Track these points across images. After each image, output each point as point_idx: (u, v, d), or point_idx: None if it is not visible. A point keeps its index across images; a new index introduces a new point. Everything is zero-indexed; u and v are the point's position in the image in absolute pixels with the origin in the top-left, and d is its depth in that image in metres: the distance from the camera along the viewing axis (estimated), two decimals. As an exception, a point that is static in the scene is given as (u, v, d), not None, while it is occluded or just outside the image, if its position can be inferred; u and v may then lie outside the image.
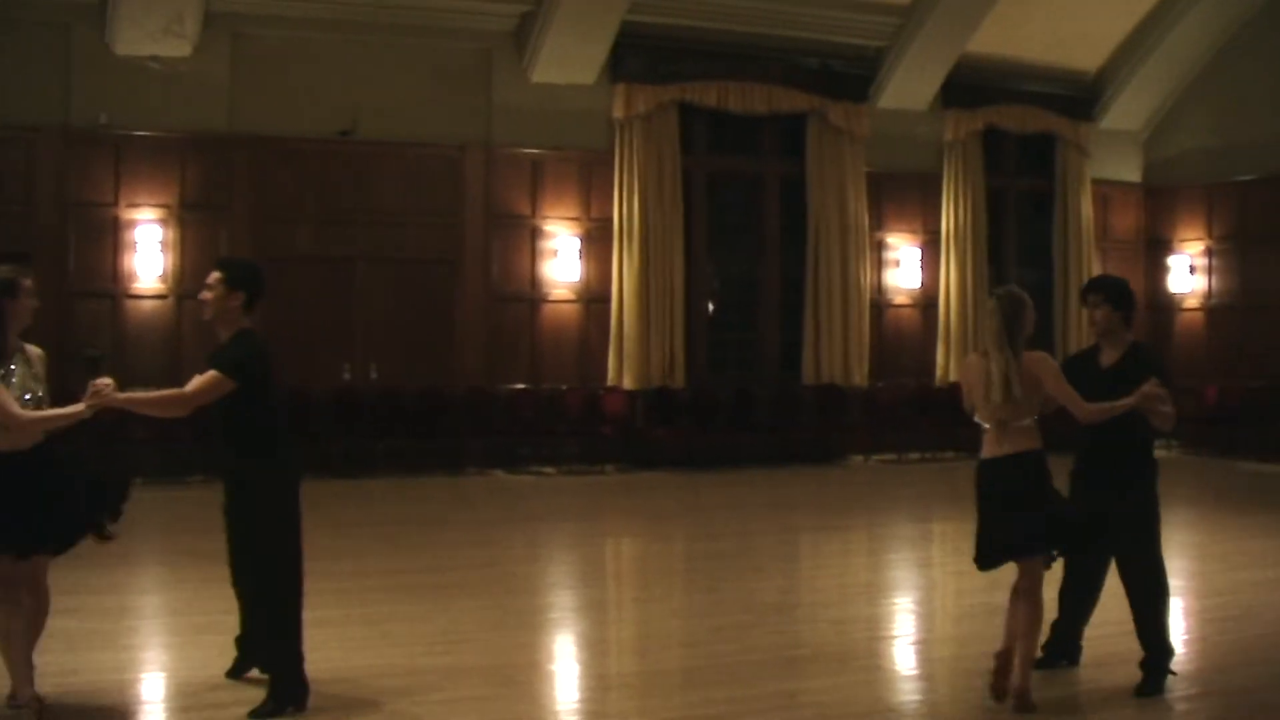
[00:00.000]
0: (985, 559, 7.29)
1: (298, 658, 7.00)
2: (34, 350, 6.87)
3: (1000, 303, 7.16)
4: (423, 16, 18.57)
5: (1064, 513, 7.17)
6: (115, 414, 7.13)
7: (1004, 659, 7.09)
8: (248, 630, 7.40)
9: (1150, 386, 7.22)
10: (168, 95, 17.69)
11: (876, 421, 20.76)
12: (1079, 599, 7.84)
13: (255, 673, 7.34)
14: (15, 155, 17.31)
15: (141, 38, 17.39)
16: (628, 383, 19.54)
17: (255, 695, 7.01)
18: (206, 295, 7.06)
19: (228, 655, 7.52)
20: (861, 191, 20.89)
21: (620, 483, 18.37)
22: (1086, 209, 22.75)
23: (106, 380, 6.65)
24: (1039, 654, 7.51)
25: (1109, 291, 7.75)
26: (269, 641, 7.10)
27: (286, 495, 7.06)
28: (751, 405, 20.22)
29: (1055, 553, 7.29)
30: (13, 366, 6.75)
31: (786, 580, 11.64)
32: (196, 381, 6.83)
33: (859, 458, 20.54)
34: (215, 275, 7.08)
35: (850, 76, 20.90)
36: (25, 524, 6.58)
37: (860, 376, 20.83)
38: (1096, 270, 21.58)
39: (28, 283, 6.78)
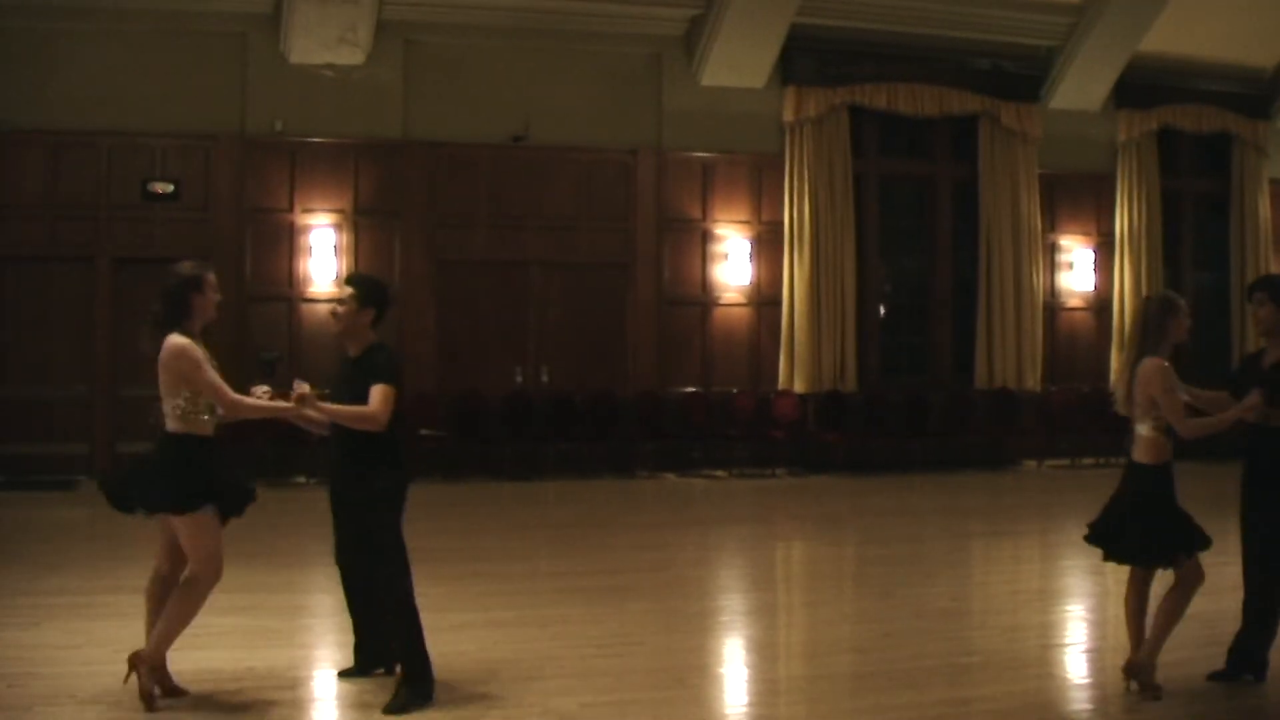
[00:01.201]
0: (1104, 551, 7.64)
1: (424, 652, 7.15)
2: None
3: (1144, 306, 7.31)
4: (593, 22, 18.69)
5: (1160, 529, 7.23)
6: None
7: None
8: (366, 631, 7.55)
9: (1252, 398, 7.21)
10: (342, 102, 17.97)
11: (1050, 426, 20.39)
12: (1259, 611, 7.59)
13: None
14: (194, 162, 17.70)
15: (316, 46, 17.69)
16: (799, 386, 19.41)
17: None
18: (339, 310, 7.31)
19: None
20: (1034, 193, 20.63)
21: (791, 486, 18.21)
22: (1264, 209, 22.21)
23: (306, 390, 7.02)
24: (1223, 667, 7.63)
25: (1272, 289, 7.65)
26: (397, 639, 7.21)
27: (403, 499, 7.31)
28: (922, 409, 19.98)
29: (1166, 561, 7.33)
30: None
31: (958, 586, 11.39)
32: (378, 399, 6.99)
33: (1031, 463, 20.26)
34: (348, 292, 7.34)
35: (1021, 77, 20.63)
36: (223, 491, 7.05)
37: (1034, 380, 20.55)
38: (1275, 272, 21.14)
39: (211, 277, 7.11)
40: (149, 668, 6.93)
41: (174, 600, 7.01)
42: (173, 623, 6.98)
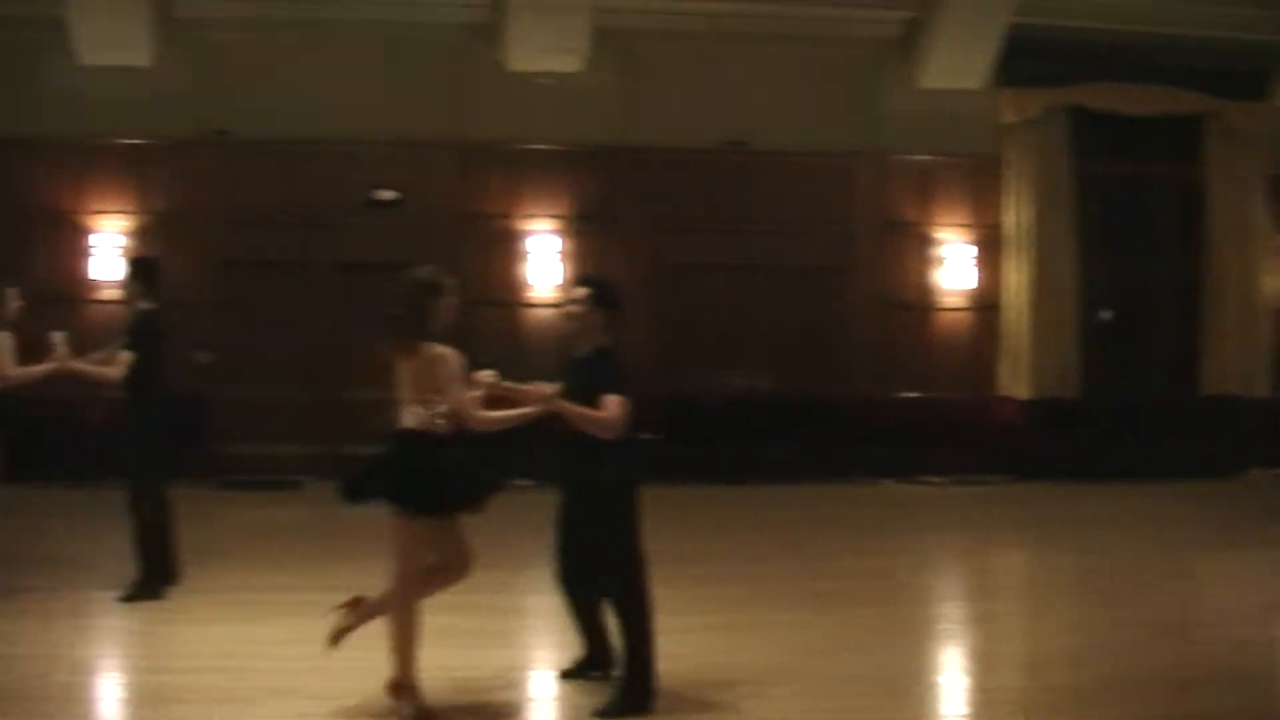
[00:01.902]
0: None
1: (651, 663, 7.17)
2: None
3: None
4: (809, 25, 18.50)
5: None
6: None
7: None
8: (586, 634, 7.58)
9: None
10: (560, 109, 18.05)
11: (1278, 433, 19.65)
12: None
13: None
14: (417, 169, 17.96)
15: (534, 54, 17.83)
16: (1019, 391, 19.04)
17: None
18: (572, 310, 7.40)
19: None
20: (1262, 194, 20.04)
21: (1011, 493, 17.81)
22: None
23: (551, 386, 7.10)
24: None
25: None
26: (625, 644, 7.21)
27: (637, 503, 7.26)
28: (1145, 415, 19.32)
29: None
30: None
31: (1181, 598, 11.05)
32: (614, 407, 7.05)
33: (1259, 471, 19.49)
34: (582, 292, 7.39)
35: (1246, 74, 19.94)
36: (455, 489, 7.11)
37: (1262, 386, 19.94)
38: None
39: (450, 282, 7.17)
40: (406, 688, 7.01)
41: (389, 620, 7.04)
42: (393, 638, 7.04)
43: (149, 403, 10.08)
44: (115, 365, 9.89)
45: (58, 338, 9.99)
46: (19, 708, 7.02)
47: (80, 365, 9.97)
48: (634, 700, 7.11)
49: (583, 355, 7.38)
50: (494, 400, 7.22)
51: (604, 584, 7.29)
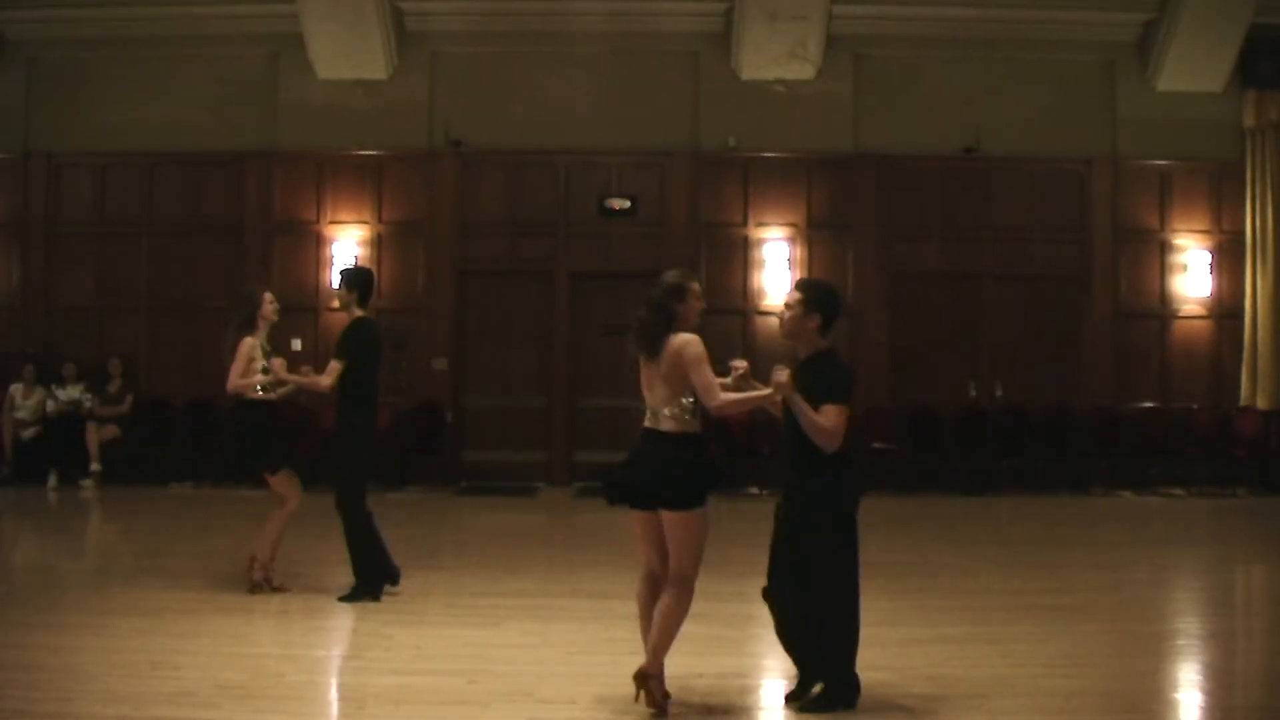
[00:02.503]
0: None
1: (853, 658, 7.18)
2: None
3: None
4: (1043, 30, 18.17)
5: None
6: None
7: None
8: (803, 656, 7.40)
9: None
10: (793, 117, 18.00)
11: None
12: None
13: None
14: (649, 178, 18.11)
15: (766, 63, 17.80)
16: (1262, 403, 18.36)
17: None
18: (786, 314, 7.32)
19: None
20: None
21: (1252, 507, 17.32)
22: None
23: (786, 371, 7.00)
24: None
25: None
26: (831, 640, 7.21)
27: (853, 509, 7.27)
28: None
29: None
30: None
31: None
32: (832, 417, 6.99)
33: None
34: (795, 296, 7.32)
35: None
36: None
37: None
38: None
39: (695, 286, 7.19)
40: (655, 678, 7.02)
41: (664, 605, 7.06)
42: (669, 627, 7.06)
43: (359, 410, 10.14)
44: (327, 375, 10.00)
45: (295, 344, 10.33)
46: (255, 705, 7.07)
47: (292, 376, 10.22)
48: (835, 695, 7.18)
49: (805, 359, 7.34)
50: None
51: (816, 590, 7.24)
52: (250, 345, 10.14)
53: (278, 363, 10.21)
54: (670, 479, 6.94)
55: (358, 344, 10.07)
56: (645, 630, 7.14)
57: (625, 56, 18.18)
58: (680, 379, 6.97)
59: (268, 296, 10.37)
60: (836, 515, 7.19)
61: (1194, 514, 16.90)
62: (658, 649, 7.00)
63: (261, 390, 10.17)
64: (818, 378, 7.14)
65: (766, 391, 7.11)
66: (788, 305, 7.40)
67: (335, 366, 9.95)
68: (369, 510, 10.04)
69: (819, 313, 7.29)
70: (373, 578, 9.96)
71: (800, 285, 7.56)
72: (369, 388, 10.15)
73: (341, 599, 9.84)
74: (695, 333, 7.08)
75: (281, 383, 10.22)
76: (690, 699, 7.32)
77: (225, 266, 17.77)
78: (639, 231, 18.08)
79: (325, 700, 7.53)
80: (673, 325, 7.07)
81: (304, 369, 10.40)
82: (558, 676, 7.74)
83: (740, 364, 7.27)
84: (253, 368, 10.12)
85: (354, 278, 10.52)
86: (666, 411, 7.04)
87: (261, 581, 10.11)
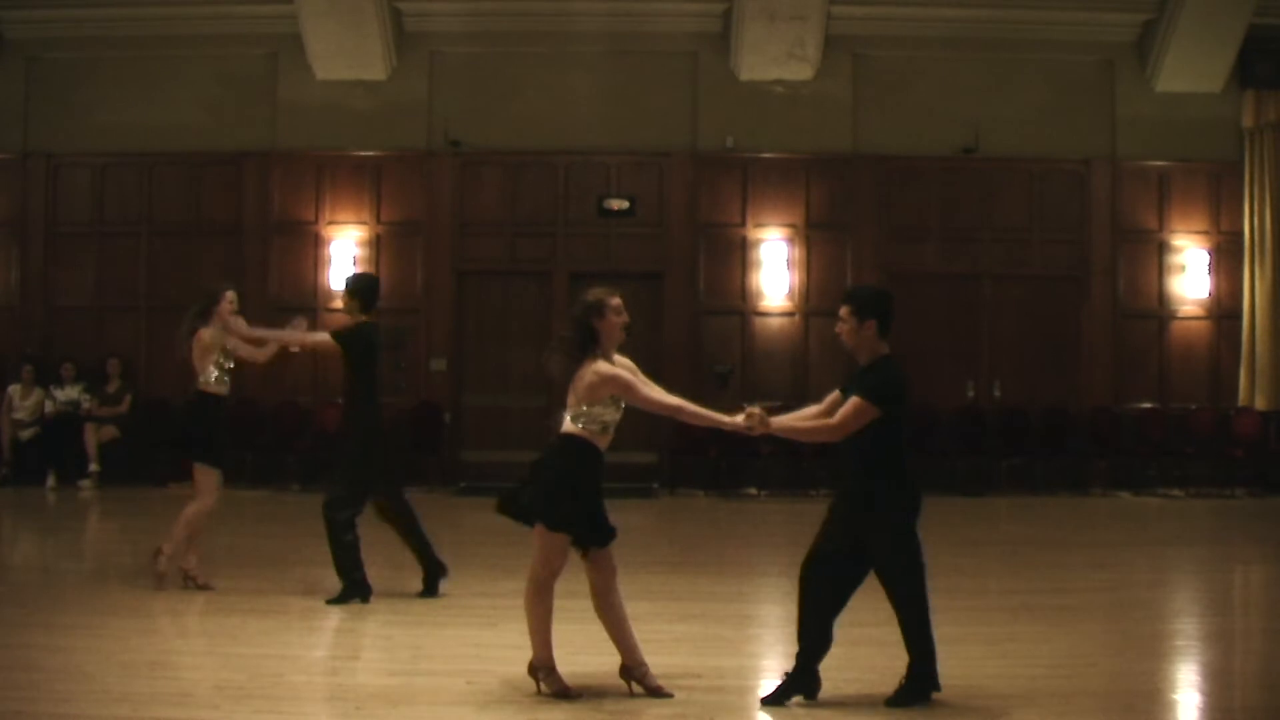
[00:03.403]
0: None
1: (932, 654, 7.22)
2: (624, 361, 7.37)
3: None
4: (1042, 31, 18.20)
5: None
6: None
7: None
8: (810, 648, 7.33)
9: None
10: (791, 117, 18.08)
11: None
12: None
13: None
14: (648, 179, 18.15)
15: (765, 63, 17.84)
16: (1260, 403, 18.34)
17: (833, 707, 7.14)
18: (841, 329, 7.33)
19: (847, 664, 7.65)
20: None
21: (1251, 508, 17.32)
22: None
23: (755, 411, 7.17)
24: None
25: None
26: (911, 642, 7.22)
27: (912, 514, 7.31)
28: None
29: None
30: None
31: None
32: (844, 411, 7.06)
33: None
34: (844, 309, 7.32)
35: None
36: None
37: None
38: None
39: (615, 301, 7.26)
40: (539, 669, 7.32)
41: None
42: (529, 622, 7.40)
43: (362, 414, 10.19)
44: (320, 332, 10.44)
45: (299, 321, 10.43)
46: (254, 706, 7.05)
47: (282, 334, 10.66)
48: (914, 692, 7.23)
49: (864, 366, 7.38)
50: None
51: (896, 596, 7.31)
52: (210, 335, 10.21)
53: (299, 322, 10.59)
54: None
55: (361, 349, 10.10)
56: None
57: (624, 57, 18.19)
58: (586, 400, 7.19)
59: (229, 295, 10.38)
60: (894, 524, 7.23)
61: (1192, 514, 16.91)
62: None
63: (214, 383, 10.29)
64: (861, 380, 7.23)
65: (729, 420, 7.20)
66: (841, 319, 7.41)
67: (327, 337, 10.19)
68: (356, 519, 10.05)
69: (872, 317, 7.28)
70: (360, 579, 9.95)
71: (846, 296, 7.59)
72: (373, 389, 10.18)
73: (329, 601, 9.84)
74: (617, 348, 7.27)
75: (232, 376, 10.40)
76: (693, 697, 7.31)
77: (224, 266, 17.75)
78: (637, 231, 18.14)
79: (323, 700, 7.49)
80: (593, 343, 7.22)
81: (297, 322, 10.58)
82: (556, 677, 7.56)
83: (756, 410, 7.26)
84: (211, 359, 10.26)
85: (355, 284, 10.50)
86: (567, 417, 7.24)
87: (186, 579, 10.16)
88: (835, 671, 7.32)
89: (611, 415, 7.20)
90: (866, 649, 7.89)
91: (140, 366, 17.84)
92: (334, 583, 10.13)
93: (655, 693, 7.22)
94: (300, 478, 17.01)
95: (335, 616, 9.56)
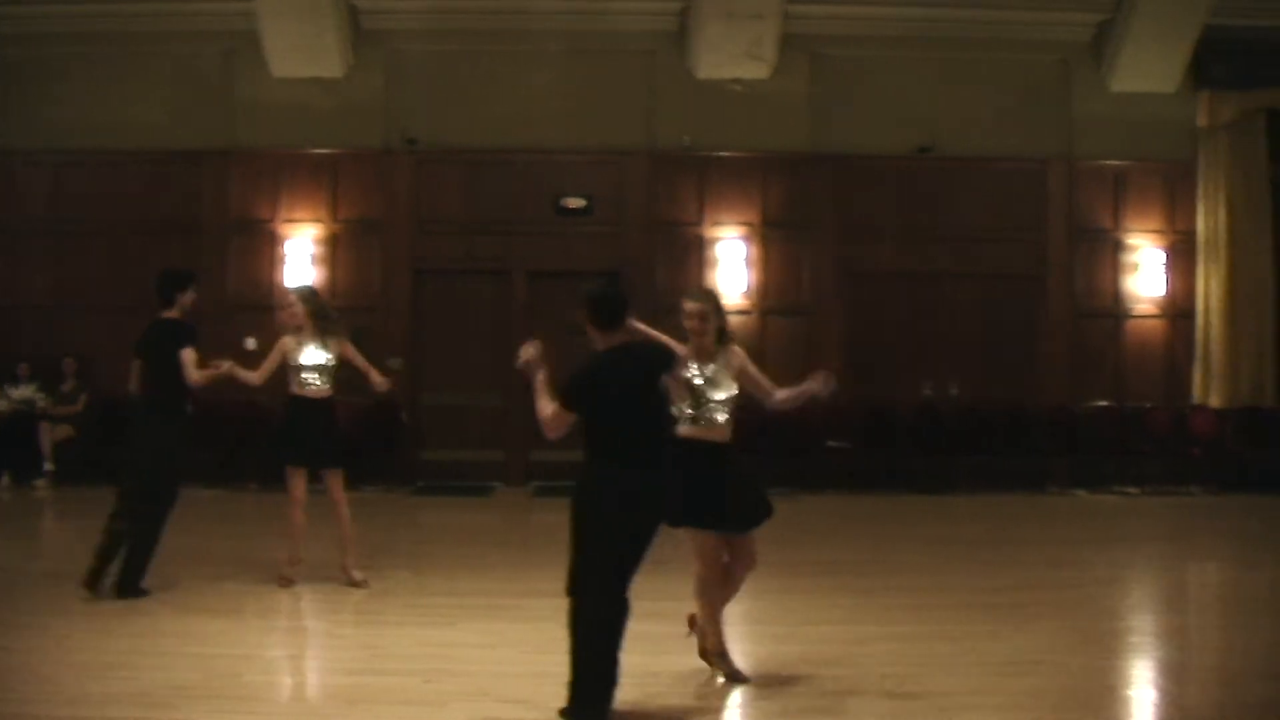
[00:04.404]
0: None
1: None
2: (738, 350, 7.74)
3: None
4: (998, 30, 18.27)
5: None
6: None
7: None
8: None
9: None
10: (749, 116, 18.03)
11: None
12: None
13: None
14: (606, 177, 18.17)
15: (723, 62, 17.80)
16: (1215, 401, 18.50)
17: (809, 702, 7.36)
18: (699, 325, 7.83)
19: (807, 662, 7.94)
20: None
21: (1207, 505, 17.47)
22: None
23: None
24: None
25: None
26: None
27: (600, 514, 7.12)
28: None
29: None
30: (711, 366, 7.72)
31: None
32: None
33: None
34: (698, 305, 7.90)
35: None
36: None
37: None
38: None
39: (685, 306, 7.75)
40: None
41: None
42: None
43: (169, 411, 10.23)
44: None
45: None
46: (211, 706, 7.11)
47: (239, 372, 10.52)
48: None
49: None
50: None
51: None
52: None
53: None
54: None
55: (163, 345, 10.25)
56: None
57: (581, 56, 18.17)
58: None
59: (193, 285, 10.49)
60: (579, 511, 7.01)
61: (1149, 512, 17.04)
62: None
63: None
64: None
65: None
66: (698, 315, 7.85)
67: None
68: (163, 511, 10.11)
69: (584, 309, 7.15)
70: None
71: (700, 295, 7.99)
72: (178, 388, 10.21)
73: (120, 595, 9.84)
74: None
75: None
76: (650, 699, 7.41)
77: (182, 265, 17.59)
78: (595, 230, 18.14)
79: (281, 700, 7.55)
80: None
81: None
82: (514, 676, 7.80)
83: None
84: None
85: (161, 279, 10.55)
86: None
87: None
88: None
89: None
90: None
91: (97, 366, 17.68)
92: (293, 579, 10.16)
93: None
94: (258, 477, 16.94)
95: (294, 616, 9.66)
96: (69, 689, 7.29)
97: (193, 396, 10.23)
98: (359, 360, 10.55)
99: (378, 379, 10.58)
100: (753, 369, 7.80)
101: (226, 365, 10.28)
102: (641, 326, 7.60)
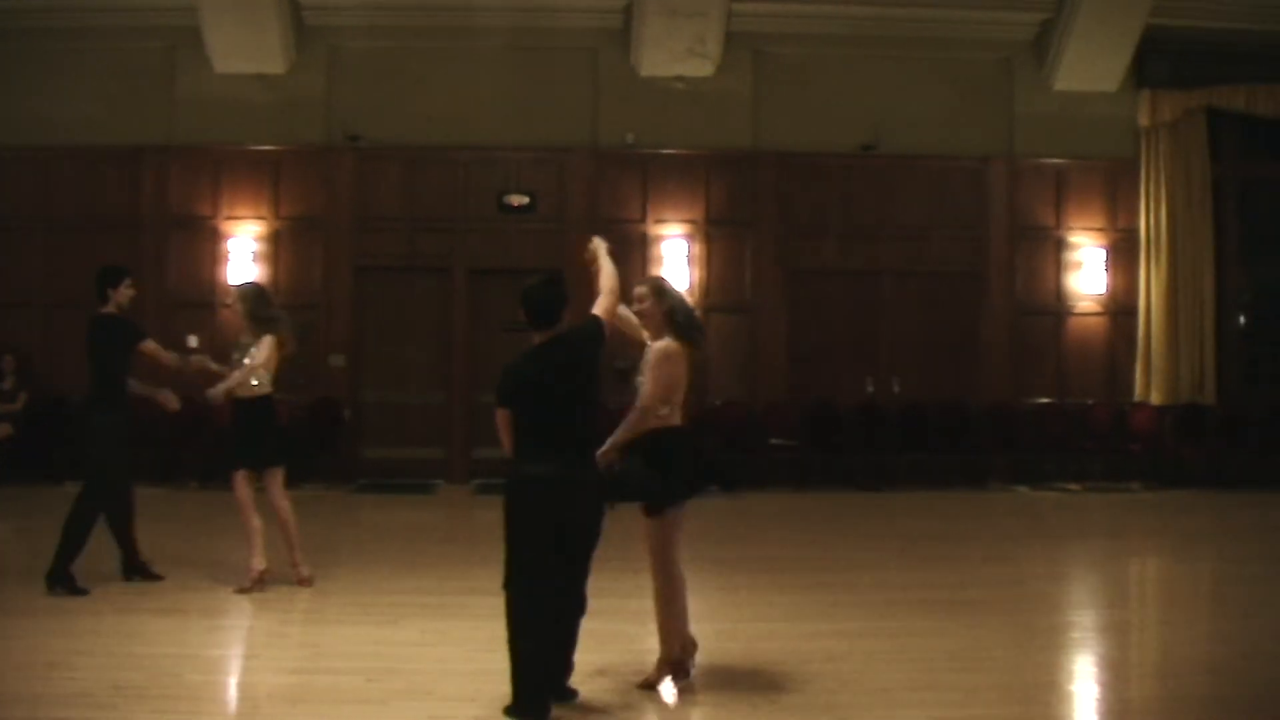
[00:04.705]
0: None
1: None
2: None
3: None
4: (941, 28, 18.35)
5: None
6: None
7: None
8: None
9: None
10: (692, 114, 18.09)
11: None
12: None
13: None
14: (548, 175, 18.12)
15: (666, 59, 17.83)
16: (1155, 398, 18.65)
17: (741, 698, 7.39)
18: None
19: (748, 659, 8.01)
20: None
21: (1147, 501, 17.57)
22: None
23: None
24: None
25: None
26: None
27: (524, 511, 7.20)
28: None
29: None
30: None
31: None
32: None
33: None
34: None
35: None
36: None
37: None
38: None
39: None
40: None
41: None
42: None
43: (106, 405, 10.26)
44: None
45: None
46: (152, 706, 7.08)
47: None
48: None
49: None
50: None
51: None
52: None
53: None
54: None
55: (104, 340, 10.36)
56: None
57: (525, 53, 18.16)
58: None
59: (127, 280, 10.53)
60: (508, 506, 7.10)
61: (1089, 508, 17.12)
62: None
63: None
64: None
65: None
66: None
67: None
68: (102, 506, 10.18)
69: (522, 307, 7.24)
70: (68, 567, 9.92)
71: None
72: (119, 383, 10.37)
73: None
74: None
75: None
76: (596, 696, 7.43)
77: (121, 261, 17.48)
78: (538, 228, 18.11)
79: (222, 700, 7.54)
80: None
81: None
82: (457, 674, 7.77)
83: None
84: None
85: (99, 275, 10.63)
86: None
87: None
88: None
89: None
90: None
91: (36, 363, 17.56)
92: (234, 579, 10.27)
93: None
94: (199, 475, 16.88)
95: (235, 615, 9.58)
96: (9, 689, 7.26)
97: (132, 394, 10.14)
98: (258, 357, 10.45)
99: (214, 393, 10.47)
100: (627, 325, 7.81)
101: (200, 359, 10.49)
102: (624, 311, 7.70)
